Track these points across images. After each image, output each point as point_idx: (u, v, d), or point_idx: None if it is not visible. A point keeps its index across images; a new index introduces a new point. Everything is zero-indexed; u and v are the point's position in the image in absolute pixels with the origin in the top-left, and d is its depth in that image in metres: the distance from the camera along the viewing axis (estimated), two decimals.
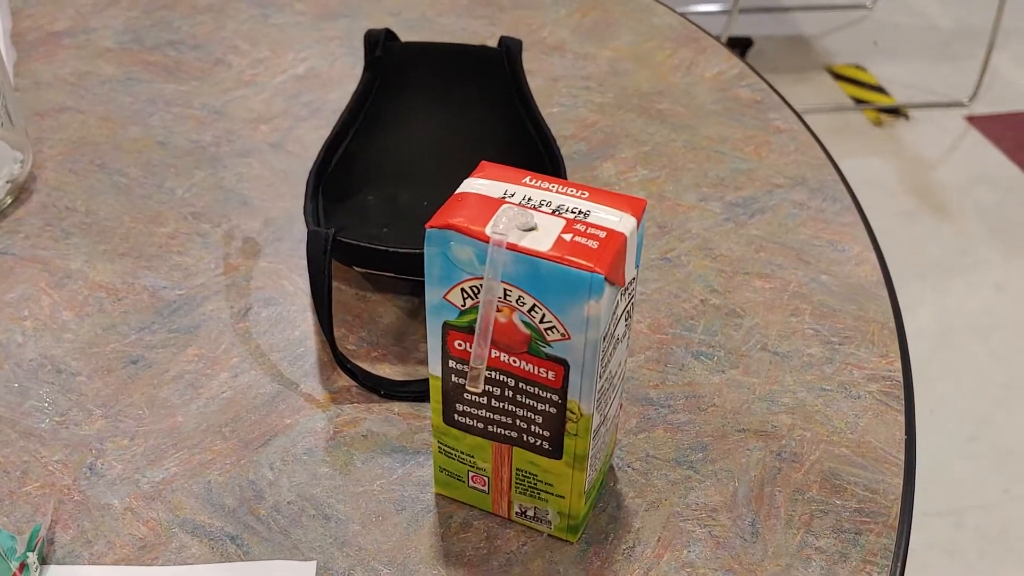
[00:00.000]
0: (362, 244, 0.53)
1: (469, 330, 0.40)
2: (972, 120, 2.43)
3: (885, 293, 0.59)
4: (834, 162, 0.70)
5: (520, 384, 0.40)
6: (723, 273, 0.60)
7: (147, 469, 0.49)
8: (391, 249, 0.52)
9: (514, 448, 0.42)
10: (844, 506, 0.47)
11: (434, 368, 0.42)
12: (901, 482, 0.48)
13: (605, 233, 0.37)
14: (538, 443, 0.42)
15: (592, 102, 0.76)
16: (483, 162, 0.42)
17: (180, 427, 0.51)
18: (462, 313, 0.40)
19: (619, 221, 0.38)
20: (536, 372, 0.39)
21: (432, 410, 0.44)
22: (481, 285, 0.38)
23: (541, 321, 0.38)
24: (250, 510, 0.47)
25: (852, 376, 0.54)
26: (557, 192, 0.40)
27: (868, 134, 2.41)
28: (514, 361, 0.39)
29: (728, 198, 0.67)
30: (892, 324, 0.57)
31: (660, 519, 0.46)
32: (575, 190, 0.40)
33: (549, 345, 0.38)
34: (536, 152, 0.65)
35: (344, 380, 0.53)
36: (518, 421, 0.41)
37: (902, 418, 0.51)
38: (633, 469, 0.49)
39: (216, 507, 0.47)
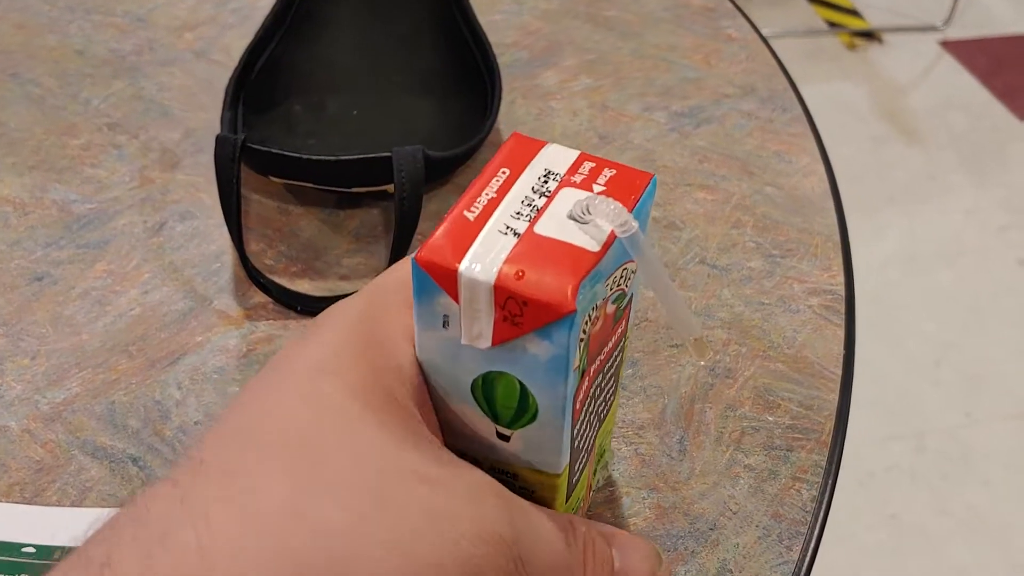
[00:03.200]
0: (273, 151, 0.50)
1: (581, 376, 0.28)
2: (946, 44, 2.39)
3: (831, 206, 0.57)
4: (786, 71, 0.67)
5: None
6: (664, 185, 0.58)
7: (47, 389, 0.46)
8: (304, 157, 0.49)
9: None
10: (777, 423, 0.45)
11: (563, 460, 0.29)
12: (837, 398, 0.46)
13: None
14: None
15: (537, 8, 0.73)
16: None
17: (84, 345, 0.48)
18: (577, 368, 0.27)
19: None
20: None
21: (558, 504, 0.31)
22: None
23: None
24: (155, 431, 0.44)
25: (792, 290, 0.51)
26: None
27: (841, 58, 2.37)
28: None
29: (674, 108, 0.63)
30: (837, 237, 0.55)
31: None
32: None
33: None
34: (472, 60, 0.61)
35: (261, 296, 0.51)
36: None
37: (842, 332, 0.49)
38: None
39: (119, 428, 0.44)
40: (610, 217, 0.25)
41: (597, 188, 0.27)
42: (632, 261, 0.27)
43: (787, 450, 0.44)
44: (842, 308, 0.51)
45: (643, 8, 0.73)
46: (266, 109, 0.60)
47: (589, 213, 0.25)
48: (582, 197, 0.26)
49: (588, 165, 0.28)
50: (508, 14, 0.72)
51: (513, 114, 0.63)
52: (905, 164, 2.08)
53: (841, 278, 0.52)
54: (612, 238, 0.25)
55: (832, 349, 0.48)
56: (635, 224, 0.25)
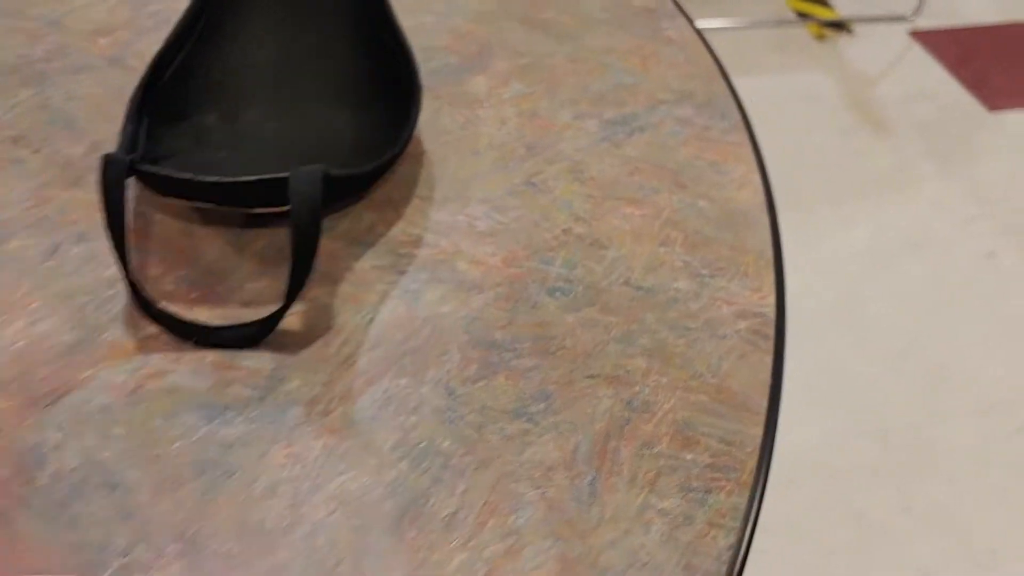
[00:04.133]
0: (161, 174, 0.46)
1: None
2: (915, 35, 2.38)
3: (766, 220, 0.54)
4: (726, 74, 0.64)
5: None
6: (591, 199, 0.55)
7: None
8: (196, 179, 0.46)
9: None
10: (695, 461, 0.42)
11: None
12: (760, 433, 0.44)
13: None
14: None
15: (470, 10, 0.69)
16: None
17: None
18: None
19: None
20: None
21: None
22: None
23: None
24: (27, 480, 0.41)
25: (720, 313, 0.49)
26: None
27: (810, 49, 2.35)
28: None
29: (607, 115, 0.61)
30: (770, 254, 0.52)
31: (489, 480, 0.41)
32: None
33: None
34: (393, 67, 0.58)
35: (156, 326, 0.48)
36: None
37: (770, 360, 0.47)
38: (466, 423, 0.44)
39: None
40: None
41: None
42: None
43: (705, 492, 0.41)
44: (771, 332, 0.48)
45: (581, 9, 0.70)
46: (176, 120, 0.57)
47: None
48: None
49: None
50: (439, 16, 0.69)
51: (438, 124, 0.60)
52: (873, 155, 2.06)
53: (772, 299, 0.50)
54: None
55: (758, 378, 0.46)
56: None
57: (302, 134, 0.56)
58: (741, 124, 0.60)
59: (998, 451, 1.55)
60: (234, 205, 0.48)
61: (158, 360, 0.46)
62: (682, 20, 0.69)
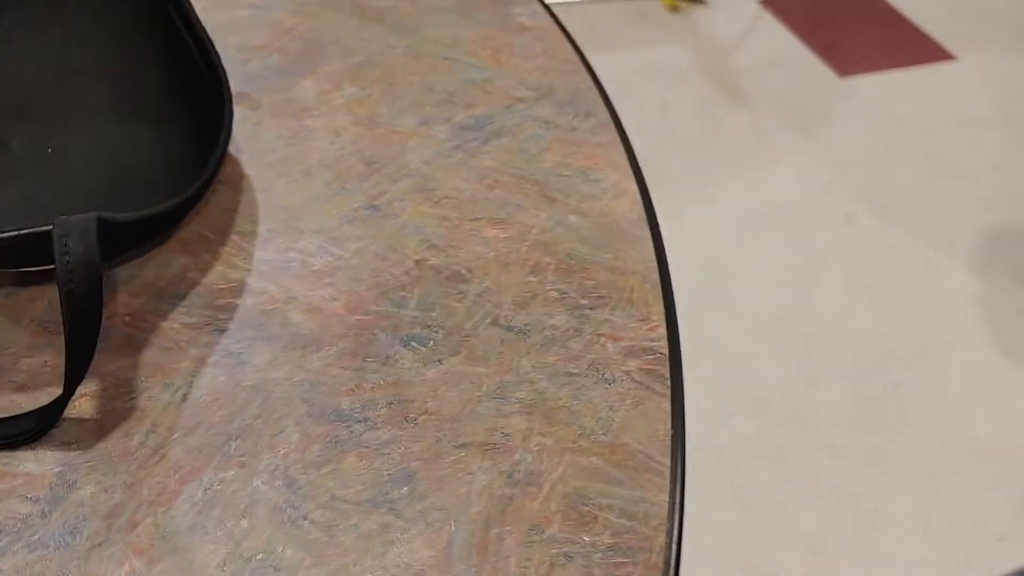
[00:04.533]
0: None
1: None
2: (765, 3, 2.39)
3: (647, 234, 0.47)
4: (589, 66, 0.57)
5: None
6: (447, 222, 0.47)
7: None
8: None
9: None
10: (595, 543, 0.35)
11: None
12: (667, 498, 0.37)
13: None
14: None
15: (293, 0, 0.60)
16: None
17: None
18: None
19: None
20: None
21: None
22: None
23: None
24: None
25: (606, 351, 0.42)
26: None
27: (665, 21, 2.33)
28: None
29: (457, 119, 0.52)
30: (656, 275, 0.45)
31: None
32: None
33: None
34: (195, 74, 0.48)
35: None
36: None
37: (667, 404, 0.40)
38: (311, 522, 0.35)
39: None
40: None
41: None
42: None
43: None
44: (666, 370, 0.41)
45: None
46: None
47: None
48: None
49: None
50: (257, 9, 0.59)
51: (260, 139, 0.50)
52: (732, 125, 2.06)
53: (663, 329, 0.43)
54: None
55: (657, 429, 0.39)
56: None
57: (92, 161, 0.46)
58: (609, 122, 0.53)
59: (872, 413, 1.57)
60: (15, 263, 0.37)
61: None
62: (536, 4, 0.61)
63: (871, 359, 1.64)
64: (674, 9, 2.33)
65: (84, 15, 0.49)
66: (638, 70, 2.20)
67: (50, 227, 0.35)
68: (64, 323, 0.34)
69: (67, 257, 0.34)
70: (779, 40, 2.30)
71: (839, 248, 1.82)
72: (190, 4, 0.48)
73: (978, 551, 1.41)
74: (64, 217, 0.35)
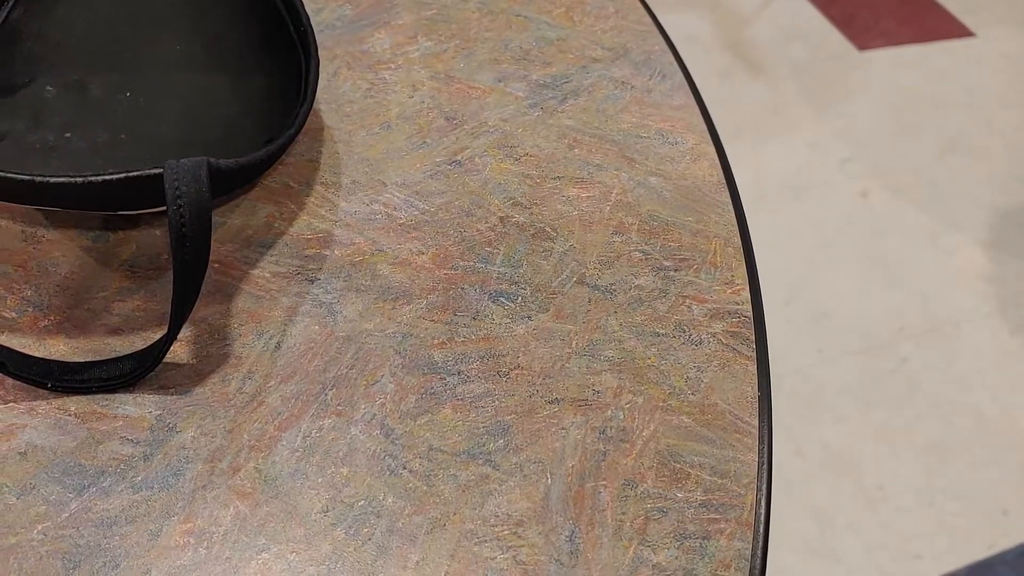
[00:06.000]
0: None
1: None
2: None
3: (727, 198, 0.47)
4: (661, 27, 0.57)
5: None
6: (528, 179, 0.47)
7: None
8: (35, 178, 0.35)
9: None
10: (688, 499, 0.36)
11: None
12: (756, 457, 0.37)
13: None
14: None
15: None
16: None
17: None
18: None
19: None
20: None
21: None
22: None
23: None
24: None
25: (691, 313, 0.42)
26: None
27: None
28: None
29: (534, 77, 0.52)
30: (737, 240, 0.45)
31: (447, 544, 0.34)
32: None
33: None
34: (279, 22, 0.48)
35: None
36: None
37: (754, 368, 0.40)
38: (410, 471, 0.35)
39: None
40: None
41: None
42: None
43: (703, 538, 0.35)
44: (751, 334, 0.42)
45: None
46: (5, 94, 0.45)
47: None
48: None
49: None
50: None
51: (336, 90, 0.50)
52: (751, 97, 2.05)
53: (746, 293, 0.43)
54: None
55: (745, 391, 0.39)
56: None
57: (168, 108, 0.46)
58: (685, 85, 0.53)
59: (880, 388, 1.58)
60: (90, 209, 0.37)
61: (5, 414, 0.36)
62: None
63: (881, 335, 1.65)
64: None
65: None
66: None
67: (160, 170, 0.35)
68: (174, 266, 0.34)
69: (180, 200, 0.33)
70: (799, 11, 2.28)
71: (854, 224, 1.83)
72: None
73: (982, 526, 1.42)
74: (174, 161, 0.34)
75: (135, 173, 0.35)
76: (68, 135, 0.44)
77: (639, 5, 0.58)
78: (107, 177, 0.34)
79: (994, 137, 2.05)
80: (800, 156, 1.94)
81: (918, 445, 1.50)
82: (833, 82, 2.12)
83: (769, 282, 1.70)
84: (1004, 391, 1.60)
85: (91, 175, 0.34)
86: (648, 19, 0.57)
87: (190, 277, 0.34)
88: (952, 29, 2.31)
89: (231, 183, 0.39)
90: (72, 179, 0.35)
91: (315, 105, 0.48)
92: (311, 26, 0.45)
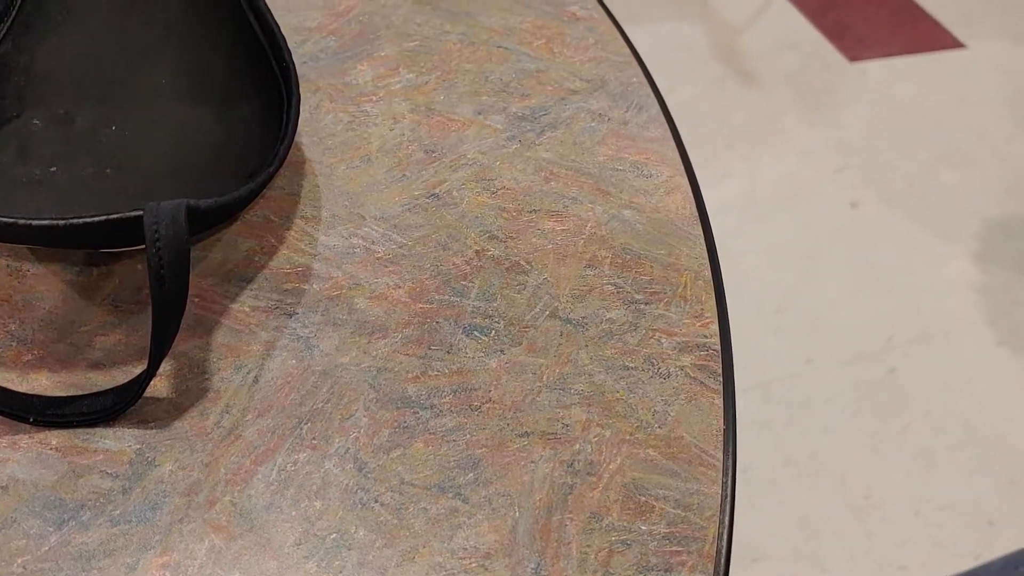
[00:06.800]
0: None
1: None
2: None
3: (699, 231, 0.48)
4: (640, 58, 0.58)
5: None
6: (505, 212, 0.48)
7: None
8: (14, 220, 0.36)
9: None
10: (651, 532, 0.37)
11: None
12: (719, 490, 0.38)
13: None
14: None
15: None
16: None
17: None
18: None
19: None
20: None
21: None
22: None
23: None
24: None
25: (661, 346, 0.43)
26: None
27: None
28: None
29: (513, 109, 0.53)
30: (707, 273, 0.46)
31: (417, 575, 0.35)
32: None
33: None
34: (260, 56, 0.49)
35: None
36: None
37: (720, 401, 0.41)
38: (381, 505, 0.37)
39: None
40: None
41: None
42: None
43: (665, 570, 0.36)
44: (718, 367, 0.43)
45: None
46: None
47: None
48: None
49: None
50: None
51: (318, 122, 0.51)
52: (743, 106, 2.06)
53: (715, 326, 0.44)
54: None
55: (710, 425, 0.40)
56: None
57: (153, 141, 0.47)
58: (661, 116, 0.54)
59: (869, 398, 1.59)
60: (70, 247, 0.38)
61: None
62: None
63: (870, 344, 1.66)
64: None
65: None
66: (652, 46, 2.20)
67: (139, 212, 0.36)
68: (153, 305, 0.35)
69: (158, 243, 0.35)
70: (791, 22, 2.30)
71: (845, 234, 1.84)
72: None
73: (969, 535, 1.44)
74: (154, 203, 0.36)
75: (115, 216, 0.36)
76: (54, 169, 0.45)
77: (618, 36, 0.59)
78: (88, 220, 0.36)
79: (985, 148, 2.07)
80: (792, 166, 1.96)
81: (905, 454, 1.52)
82: (825, 92, 2.13)
83: (760, 291, 1.71)
84: (992, 401, 1.61)
85: (72, 218, 0.36)
86: (627, 50, 0.58)
87: (168, 316, 0.35)
88: (944, 40, 2.33)
89: (211, 221, 0.40)
90: (54, 222, 0.36)
91: (297, 138, 0.49)
92: (292, 62, 0.47)
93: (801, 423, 1.55)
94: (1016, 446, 1.55)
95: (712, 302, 0.45)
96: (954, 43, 2.32)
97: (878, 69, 2.21)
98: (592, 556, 0.36)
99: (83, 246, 0.38)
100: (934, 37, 2.33)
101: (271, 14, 0.48)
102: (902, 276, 1.78)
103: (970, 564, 1.42)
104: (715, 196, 1.87)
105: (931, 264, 1.81)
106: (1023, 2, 2.54)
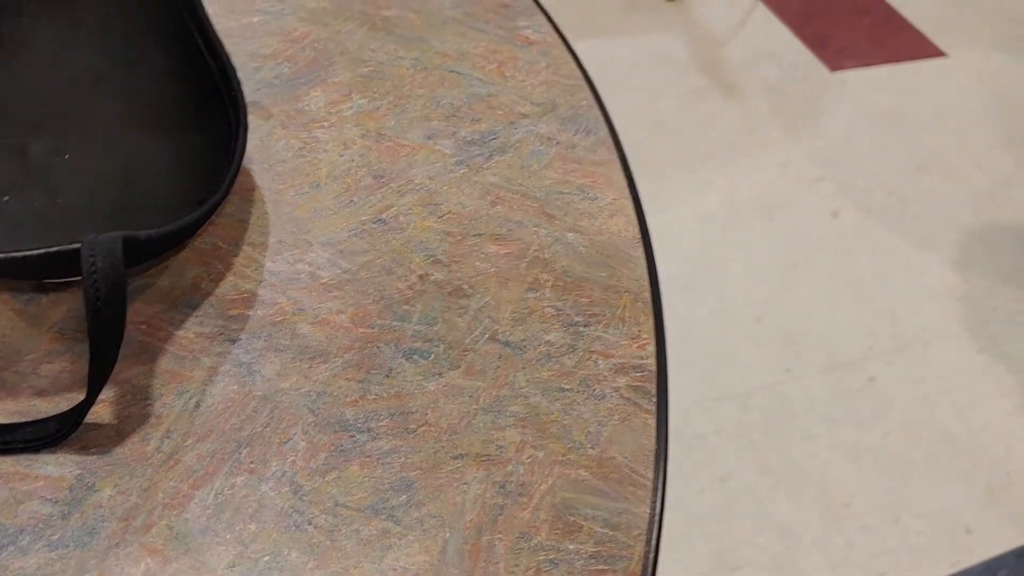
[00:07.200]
0: None
1: None
2: None
3: (641, 253, 0.49)
4: (591, 82, 0.59)
5: None
6: (450, 237, 0.49)
7: None
8: None
9: None
10: (578, 551, 0.38)
11: None
12: (648, 510, 0.40)
13: None
14: None
15: (303, 7, 0.61)
16: None
17: None
18: None
19: None
20: None
21: None
22: None
23: None
24: None
25: (597, 368, 0.44)
26: None
27: (660, 9, 2.34)
28: None
29: (462, 134, 0.54)
30: (647, 294, 0.48)
31: None
32: None
33: None
34: (210, 85, 0.50)
35: None
36: None
37: (653, 421, 0.43)
38: (315, 527, 0.38)
39: None
40: None
41: None
42: None
43: None
44: (653, 387, 0.44)
45: (428, 4, 0.63)
46: None
47: None
48: None
49: None
50: (269, 15, 0.60)
51: (270, 149, 0.52)
52: (724, 117, 2.08)
53: (652, 347, 0.45)
54: None
55: (642, 445, 0.42)
56: None
57: (105, 170, 0.48)
58: (609, 139, 0.55)
59: (848, 406, 1.60)
60: (17, 278, 0.39)
61: None
62: (541, 17, 0.63)
63: (849, 353, 1.68)
64: None
65: (103, 26, 0.51)
66: (633, 58, 2.21)
67: (78, 245, 0.37)
68: (90, 336, 0.36)
69: (95, 276, 0.36)
70: (772, 32, 2.32)
71: (825, 243, 1.85)
72: (207, 16, 0.50)
73: (947, 542, 1.45)
74: (91, 236, 0.37)
75: (54, 249, 0.37)
76: (6, 198, 0.46)
77: (570, 59, 0.60)
78: (27, 253, 0.37)
79: (965, 156, 2.09)
80: (773, 176, 1.97)
81: (884, 463, 1.53)
82: (806, 103, 2.15)
83: (740, 300, 1.72)
84: (970, 409, 1.63)
85: (12, 252, 0.37)
86: (578, 73, 0.59)
87: (106, 346, 0.36)
88: (924, 49, 2.35)
89: (153, 250, 0.41)
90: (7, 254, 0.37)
91: (248, 165, 0.50)
92: (241, 91, 0.48)
93: (780, 432, 1.56)
94: (994, 454, 1.57)
95: (650, 323, 0.46)
96: (935, 52, 2.34)
97: (858, 79, 2.23)
98: (519, 575, 0.37)
99: (26, 277, 0.39)
100: (915, 46, 2.35)
101: (221, 44, 0.49)
102: (882, 285, 1.80)
103: (948, 571, 1.43)
104: (695, 205, 1.88)
105: (910, 273, 1.83)
106: (1004, 10, 2.56)
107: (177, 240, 0.42)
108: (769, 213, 1.89)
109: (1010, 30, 2.48)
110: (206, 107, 0.50)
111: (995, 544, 1.47)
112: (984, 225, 1.94)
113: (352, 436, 0.40)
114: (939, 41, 2.38)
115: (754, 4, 2.36)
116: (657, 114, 2.07)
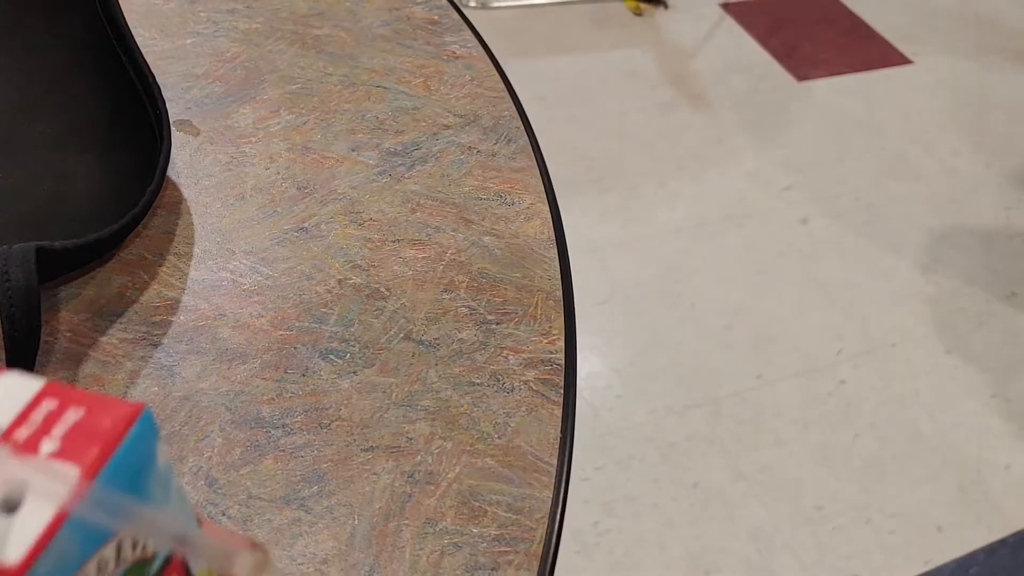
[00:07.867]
0: None
1: None
2: (727, 7, 2.44)
3: (555, 254, 0.52)
4: (513, 92, 0.61)
5: None
6: (370, 243, 0.51)
7: None
8: None
9: None
10: (482, 535, 0.40)
11: None
12: (550, 495, 0.41)
13: None
14: None
15: (236, 29, 0.64)
16: None
17: None
18: None
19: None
20: None
21: None
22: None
23: None
24: None
25: (507, 363, 0.46)
26: None
27: (629, 24, 2.38)
28: None
29: (386, 145, 0.57)
30: (559, 293, 0.50)
31: None
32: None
33: None
34: (137, 104, 0.52)
35: None
36: None
37: (559, 411, 0.45)
38: (228, 517, 0.39)
39: None
40: (51, 496, 0.18)
41: (48, 447, 0.20)
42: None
43: (492, 569, 0.39)
44: (561, 381, 0.46)
45: (359, 23, 0.65)
46: None
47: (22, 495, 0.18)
48: (15, 469, 0.18)
49: (47, 406, 0.20)
50: (201, 37, 0.63)
51: (199, 165, 0.54)
52: (693, 128, 2.11)
53: (561, 342, 0.47)
54: (59, 521, 0.18)
55: (548, 434, 0.44)
56: (98, 496, 0.18)
57: (37, 188, 0.50)
58: (528, 147, 0.57)
59: (819, 410, 1.62)
60: None
61: None
62: (468, 33, 0.65)
63: (820, 358, 1.70)
64: (638, 12, 2.38)
65: (26, 47, 0.53)
66: (602, 72, 2.25)
67: None
68: (4, 344, 0.38)
69: (7, 284, 0.38)
70: (739, 44, 2.35)
71: (794, 250, 1.88)
72: (131, 36, 0.52)
73: (919, 541, 1.47)
74: (5, 247, 0.39)
75: None
76: None
77: (494, 72, 0.63)
78: None
79: (931, 161, 2.12)
80: (742, 185, 2.00)
81: (855, 465, 1.55)
82: (774, 112, 2.18)
83: (710, 308, 1.75)
84: (939, 409, 1.65)
85: None
86: (501, 85, 0.62)
87: (21, 354, 0.38)
88: (890, 57, 2.39)
89: (73, 261, 0.43)
90: None
91: (176, 179, 0.53)
92: (166, 110, 0.50)
93: (752, 438, 1.58)
94: (964, 453, 1.59)
95: (561, 320, 0.48)
96: (901, 59, 2.38)
97: (825, 87, 2.27)
98: (424, 558, 0.39)
99: None
100: (881, 54, 2.39)
101: (147, 64, 0.51)
102: (850, 289, 1.82)
103: (920, 569, 1.45)
104: (666, 216, 1.91)
105: (878, 277, 1.85)
106: (969, 17, 2.60)
107: (95, 251, 0.44)
108: (739, 221, 1.92)
109: (975, 37, 2.52)
110: (134, 127, 0.52)
111: (966, 542, 1.48)
112: (951, 228, 1.97)
113: (267, 432, 0.42)
114: (905, 49, 2.42)
115: (721, 17, 2.40)
116: (627, 127, 2.10)
